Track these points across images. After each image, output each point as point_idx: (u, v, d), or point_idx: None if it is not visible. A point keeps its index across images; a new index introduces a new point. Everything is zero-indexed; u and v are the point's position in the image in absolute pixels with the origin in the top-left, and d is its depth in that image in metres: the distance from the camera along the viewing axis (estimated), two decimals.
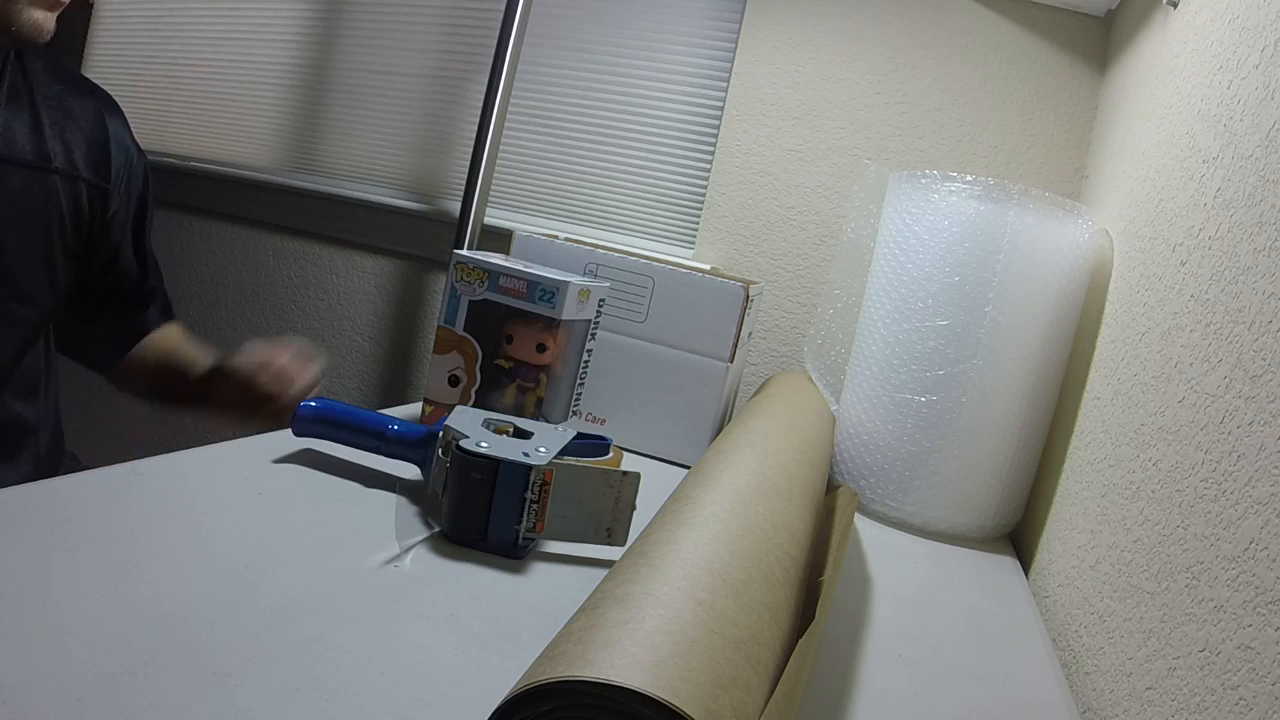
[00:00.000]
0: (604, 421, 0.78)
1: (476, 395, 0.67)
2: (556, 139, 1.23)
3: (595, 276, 0.76)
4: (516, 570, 0.46)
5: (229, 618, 0.35)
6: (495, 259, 0.67)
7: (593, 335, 0.72)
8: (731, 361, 0.75)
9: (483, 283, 0.66)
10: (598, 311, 0.71)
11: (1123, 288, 0.64)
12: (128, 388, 0.89)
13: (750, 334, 0.83)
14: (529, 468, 0.46)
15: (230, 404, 0.80)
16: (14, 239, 0.68)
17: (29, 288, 0.71)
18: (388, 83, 1.33)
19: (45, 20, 0.64)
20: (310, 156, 1.39)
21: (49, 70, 0.72)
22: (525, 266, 0.68)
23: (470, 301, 0.66)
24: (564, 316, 0.65)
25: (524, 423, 0.54)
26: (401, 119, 1.33)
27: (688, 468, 0.77)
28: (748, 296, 0.74)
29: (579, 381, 0.72)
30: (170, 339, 0.88)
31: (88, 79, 0.78)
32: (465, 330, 0.67)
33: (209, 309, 1.43)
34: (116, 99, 0.81)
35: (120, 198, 0.77)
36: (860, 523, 0.70)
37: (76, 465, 0.85)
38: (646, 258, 0.76)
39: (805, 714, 0.38)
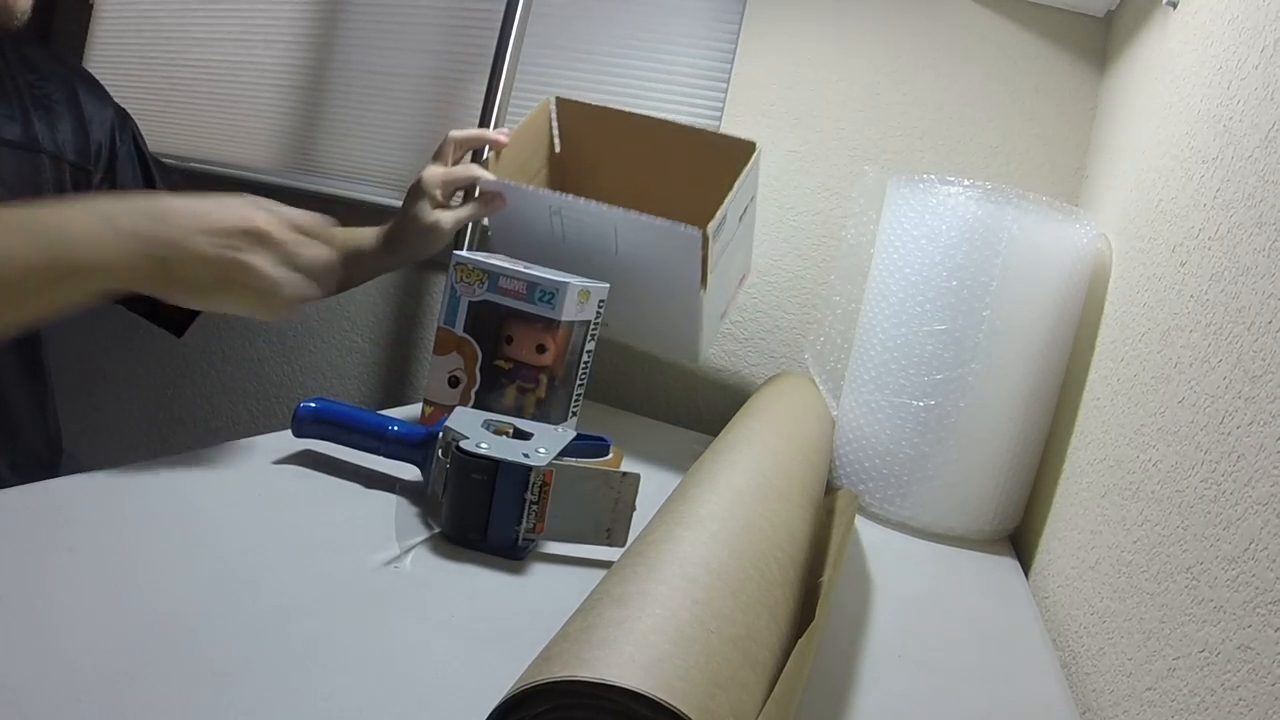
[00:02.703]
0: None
1: (476, 396, 0.67)
2: None
3: (562, 218, 0.77)
4: (516, 571, 0.46)
5: (229, 618, 0.35)
6: (495, 260, 0.67)
7: (593, 336, 0.72)
8: (705, 287, 0.74)
9: (482, 283, 0.66)
10: (597, 312, 0.71)
11: (1122, 289, 0.64)
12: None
13: (730, 247, 0.81)
14: (529, 468, 0.46)
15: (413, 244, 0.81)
16: None
17: None
18: (388, 83, 1.33)
19: (15, 2, 0.63)
20: (310, 157, 1.39)
21: (20, 56, 0.72)
22: (525, 268, 0.68)
23: (470, 302, 0.66)
24: (564, 317, 0.65)
25: (524, 423, 0.54)
26: (401, 119, 1.32)
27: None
28: (706, 240, 0.71)
29: (579, 383, 0.72)
30: None
31: (53, 54, 0.77)
32: (465, 331, 0.67)
33: None
34: (116, 99, 0.80)
35: (104, 171, 0.76)
36: (861, 524, 0.70)
37: (76, 465, 0.85)
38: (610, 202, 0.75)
39: (805, 714, 0.38)
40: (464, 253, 0.68)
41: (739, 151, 0.79)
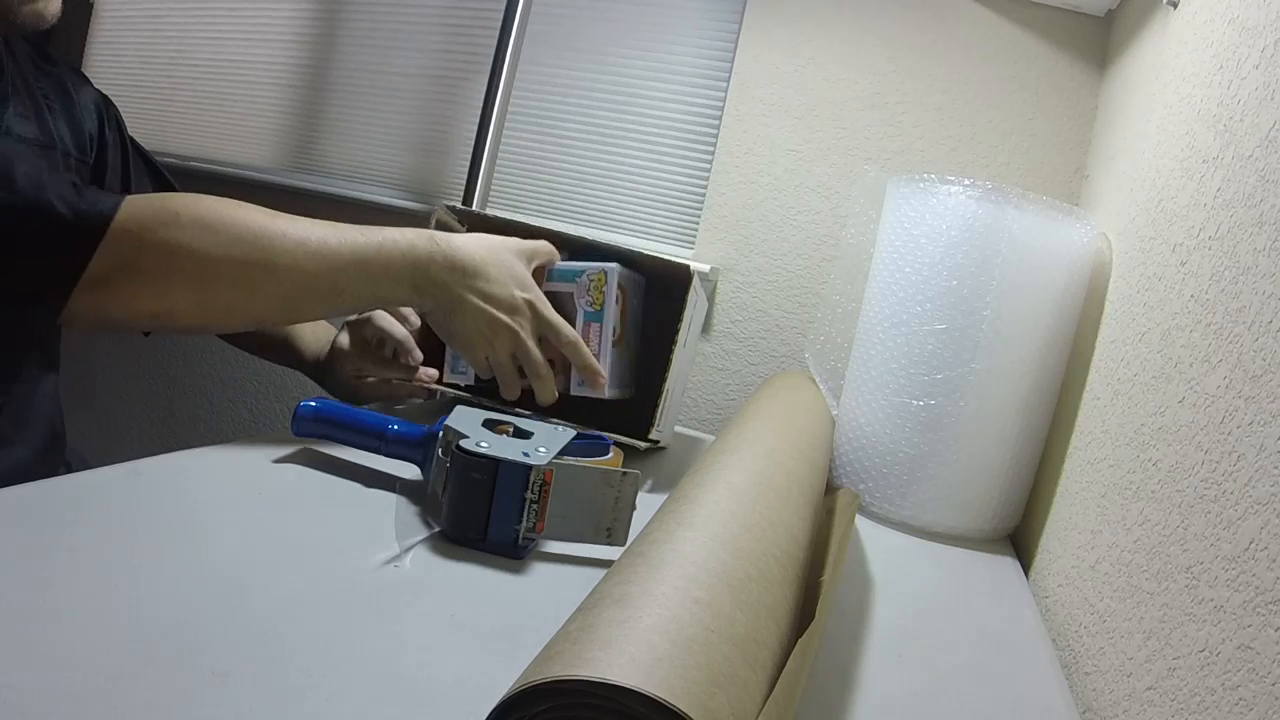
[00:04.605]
0: None
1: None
2: (556, 139, 1.23)
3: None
4: (516, 570, 0.46)
5: (229, 618, 0.35)
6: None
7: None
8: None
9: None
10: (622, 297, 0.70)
11: (1123, 288, 0.64)
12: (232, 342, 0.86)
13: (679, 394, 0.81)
14: (529, 467, 0.46)
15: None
16: None
17: None
18: (388, 83, 1.33)
19: (46, 7, 0.64)
20: (310, 156, 1.39)
21: (28, 54, 0.73)
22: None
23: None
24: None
25: (524, 422, 0.54)
26: (401, 119, 1.33)
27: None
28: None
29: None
30: None
31: (40, 50, 0.78)
32: None
33: None
34: (116, 99, 0.81)
35: (95, 158, 0.78)
36: (861, 524, 0.70)
37: (78, 463, 0.86)
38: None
39: (805, 714, 0.38)
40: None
41: (679, 271, 0.74)
